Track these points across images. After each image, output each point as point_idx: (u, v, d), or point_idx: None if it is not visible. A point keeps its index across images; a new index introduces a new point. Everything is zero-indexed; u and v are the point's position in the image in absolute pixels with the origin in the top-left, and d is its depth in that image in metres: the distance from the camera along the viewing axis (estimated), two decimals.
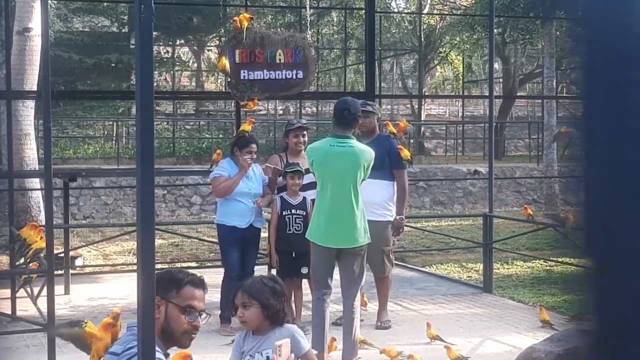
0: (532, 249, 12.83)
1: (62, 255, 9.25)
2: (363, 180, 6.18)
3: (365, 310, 7.81)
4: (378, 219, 7.18)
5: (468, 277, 10.81)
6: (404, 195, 7.41)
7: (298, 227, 7.24)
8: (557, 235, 10.27)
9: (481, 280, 9.67)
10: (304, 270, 7.32)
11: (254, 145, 7.36)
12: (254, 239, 7.39)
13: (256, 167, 7.43)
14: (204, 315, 3.22)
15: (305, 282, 7.46)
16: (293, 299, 7.47)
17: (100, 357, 3.40)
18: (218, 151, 8.25)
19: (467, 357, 6.42)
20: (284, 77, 8.50)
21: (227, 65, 8.34)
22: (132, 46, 24.67)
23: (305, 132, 7.53)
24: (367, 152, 6.22)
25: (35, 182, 12.62)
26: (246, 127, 7.69)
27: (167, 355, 3.12)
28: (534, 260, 11.69)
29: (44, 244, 5.97)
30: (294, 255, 7.26)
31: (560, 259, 10.49)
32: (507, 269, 11.36)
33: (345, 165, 6.10)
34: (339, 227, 6.13)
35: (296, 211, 7.27)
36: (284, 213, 7.27)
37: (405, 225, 13.80)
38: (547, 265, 11.41)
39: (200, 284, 3.27)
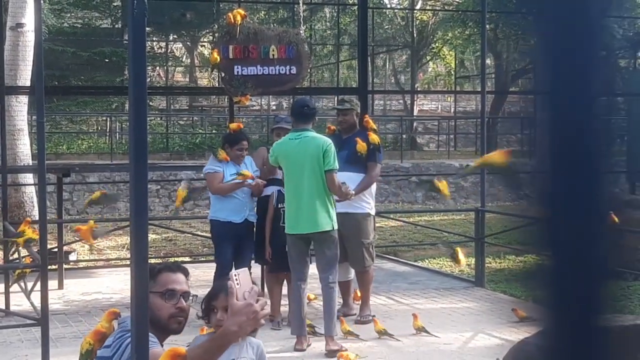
0: (523, 243, 12.87)
1: (56, 250, 9.27)
2: (331, 169, 6.46)
3: (358, 304, 7.85)
4: (356, 211, 7.25)
5: (460, 271, 10.85)
6: (367, 183, 7.40)
7: None
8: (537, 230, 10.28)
9: (473, 275, 9.72)
10: None
11: (245, 143, 7.39)
12: (249, 233, 7.41)
13: (247, 159, 7.47)
14: (190, 297, 3.24)
15: None
16: (287, 293, 7.52)
17: (92, 345, 3.40)
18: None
19: (391, 334, 6.82)
20: (277, 72, 8.53)
21: (218, 60, 8.35)
22: (125, 41, 24.62)
23: (287, 132, 7.57)
24: (321, 139, 6.60)
25: (29, 178, 12.61)
26: (234, 126, 7.76)
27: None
28: (526, 255, 11.72)
29: (34, 235, 5.98)
30: (286, 248, 7.29)
31: (540, 254, 10.53)
32: (499, 263, 11.41)
33: (301, 154, 6.51)
34: (300, 213, 6.52)
35: None
36: (279, 206, 7.33)
37: (398, 220, 13.89)
38: (539, 260, 11.45)
39: (176, 268, 3.29)
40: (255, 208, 7.53)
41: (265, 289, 7.99)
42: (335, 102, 18.25)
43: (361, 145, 7.32)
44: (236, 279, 2.80)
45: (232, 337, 2.76)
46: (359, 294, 7.76)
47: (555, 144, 0.91)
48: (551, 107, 0.91)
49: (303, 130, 6.64)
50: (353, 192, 6.95)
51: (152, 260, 10.21)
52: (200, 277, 9.15)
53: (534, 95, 0.95)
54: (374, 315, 7.43)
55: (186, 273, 3.32)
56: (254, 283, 2.86)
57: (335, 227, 6.60)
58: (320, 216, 6.49)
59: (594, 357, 0.91)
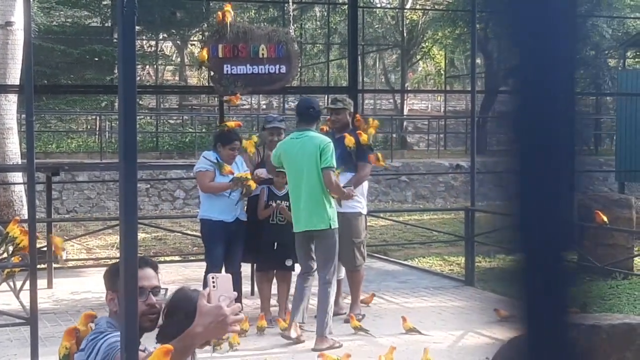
0: (507, 242, 12.89)
1: (45, 249, 9.23)
2: (327, 166, 6.55)
3: (369, 306, 7.90)
4: (347, 210, 7.26)
5: (450, 270, 10.88)
6: (356, 182, 7.40)
7: (282, 217, 7.33)
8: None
9: (463, 274, 9.74)
10: (288, 262, 7.37)
11: (237, 143, 7.40)
12: (240, 232, 7.40)
13: (238, 159, 7.47)
14: (160, 291, 3.20)
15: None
16: (277, 291, 7.52)
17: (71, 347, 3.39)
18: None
19: (367, 329, 6.95)
20: (267, 71, 8.51)
21: (206, 58, 8.34)
22: (115, 40, 24.55)
23: (281, 131, 7.58)
24: (320, 138, 6.70)
25: (18, 177, 12.56)
26: (230, 124, 7.80)
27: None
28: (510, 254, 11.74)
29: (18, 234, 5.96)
30: (276, 246, 7.31)
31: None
32: (489, 262, 11.42)
33: (301, 154, 6.65)
34: (299, 211, 6.69)
35: (281, 202, 7.34)
36: (269, 203, 7.35)
37: (388, 219, 13.90)
38: (513, 259, 11.46)
39: (144, 263, 3.22)
40: (245, 207, 7.53)
41: (255, 288, 8.00)
42: (326, 101, 18.25)
43: (349, 140, 7.34)
44: (213, 282, 2.76)
45: (197, 338, 2.73)
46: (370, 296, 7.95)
47: (520, 143, 0.91)
48: (514, 105, 0.91)
49: (305, 130, 6.78)
50: (355, 193, 7.05)
51: None
52: (190, 276, 9.14)
53: (509, 92, 0.96)
54: (364, 315, 7.45)
55: (155, 267, 3.26)
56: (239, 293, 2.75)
57: (334, 225, 6.66)
58: (316, 215, 6.59)
59: (563, 352, 0.92)
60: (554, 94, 0.90)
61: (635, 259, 10.34)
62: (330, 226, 6.62)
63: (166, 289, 3.27)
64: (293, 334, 6.64)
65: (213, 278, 2.77)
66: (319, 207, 6.59)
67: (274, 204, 7.36)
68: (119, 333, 2.99)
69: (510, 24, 0.90)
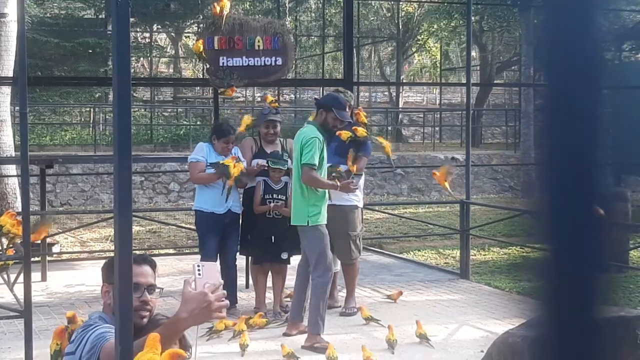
0: (508, 235, 12.92)
1: (39, 242, 9.20)
2: (305, 162, 6.38)
3: (395, 302, 7.90)
4: (343, 203, 7.24)
5: (445, 263, 10.89)
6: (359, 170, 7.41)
7: (278, 211, 7.30)
8: (533, 222, 10.34)
9: (458, 267, 9.74)
10: (284, 255, 7.36)
11: (231, 137, 7.40)
12: (234, 224, 7.38)
13: (235, 150, 7.46)
14: (156, 290, 3.22)
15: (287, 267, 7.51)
16: (271, 284, 7.51)
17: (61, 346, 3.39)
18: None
19: (378, 319, 6.90)
20: (262, 63, 8.48)
21: (202, 49, 8.30)
22: (108, 32, 24.47)
23: (276, 124, 7.57)
24: (304, 133, 6.56)
25: (12, 169, 12.52)
26: (247, 121, 7.83)
27: None
28: (510, 247, 11.78)
29: (15, 227, 5.93)
30: (273, 240, 7.30)
31: (536, 245, 10.58)
32: (484, 255, 11.44)
33: (295, 147, 6.66)
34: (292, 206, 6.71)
35: (277, 196, 7.33)
36: (265, 197, 7.33)
37: (383, 212, 13.90)
38: (523, 252, 11.50)
39: (141, 260, 3.26)
40: (241, 199, 7.52)
41: (250, 281, 7.99)
42: (321, 93, 18.20)
43: (344, 134, 7.32)
44: (198, 270, 2.79)
45: (182, 324, 2.76)
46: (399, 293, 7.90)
47: (552, 137, 0.89)
48: (549, 99, 0.89)
49: (308, 122, 6.74)
50: (356, 186, 6.95)
51: (136, 252, 10.16)
52: (185, 269, 9.13)
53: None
54: (359, 308, 7.44)
55: (153, 265, 3.29)
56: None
57: (315, 222, 6.46)
58: (296, 210, 6.55)
59: (588, 349, 0.91)
60: (588, 88, 0.89)
61: (631, 252, 10.35)
62: (308, 223, 6.47)
63: (161, 289, 3.29)
64: (293, 331, 6.63)
65: (199, 266, 2.82)
66: (299, 203, 6.51)
67: (271, 205, 7.31)
68: (108, 325, 3.00)
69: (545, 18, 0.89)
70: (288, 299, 7.48)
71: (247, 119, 8.07)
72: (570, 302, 0.89)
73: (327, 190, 6.65)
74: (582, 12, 0.88)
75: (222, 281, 2.88)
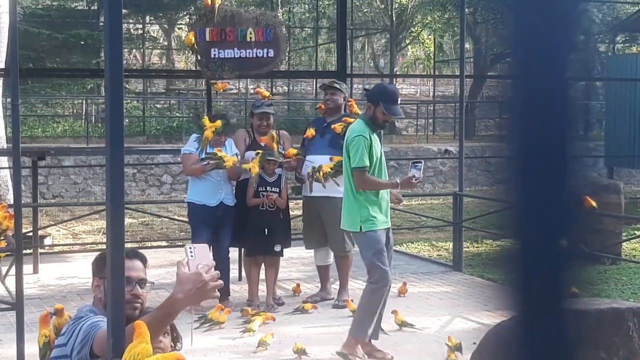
0: (501, 227, 12.93)
1: (31, 234, 9.18)
2: (356, 166, 5.81)
3: (404, 296, 7.84)
4: (337, 195, 7.20)
5: (438, 255, 10.90)
6: None
7: (272, 204, 7.29)
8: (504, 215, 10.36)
9: (451, 259, 9.75)
10: (277, 247, 7.36)
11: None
12: (226, 216, 7.36)
13: (228, 141, 7.45)
14: (147, 285, 3.26)
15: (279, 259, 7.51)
16: (264, 277, 7.51)
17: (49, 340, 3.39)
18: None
19: (410, 323, 6.68)
20: (255, 55, 8.45)
21: (193, 41, 8.27)
22: (101, 23, 24.38)
23: (269, 116, 7.57)
24: (351, 130, 6.04)
25: (4, 161, 12.48)
26: (266, 139, 7.43)
27: None
28: (503, 239, 11.77)
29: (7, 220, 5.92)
30: (266, 232, 7.29)
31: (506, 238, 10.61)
32: (477, 247, 11.45)
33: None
34: (342, 206, 6.16)
35: (271, 188, 7.32)
36: (259, 189, 7.31)
37: None
38: (510, 243, 11.50)
39: (133, 255, 3.31)
40: (234, 191, 7.51)
41: (243, 274, 7.98)
42: (315, 85, 18.15)
43: (337, 127, 7.32)
44: (191, 251, 2.84)
45: (178, 304, 2.79)
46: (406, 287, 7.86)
47: (524, 127, 0.89)
48: (521, 89, 0.89)
49: (360, 116, 6.31)
50: (419, 180, 6.21)
51: (129, 245, 10.15)
52: (177, 261, 9.11)
53: (507, 79, 0.94)
54: (352, 300, 7.44)
55: (144, 260, 3.33)
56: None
57: (368, 228, 5.87)
58: (347, 215, 5.99)
59: (562, 339, 0.91)
60: (550, 79, 0.88)
61: (624, 244, 10.37)
62: (360, 229, 5.88)
63: (152, 283, 3.32)
64: (355, 352, 5.87)
65: (190, 248, 2.86)
66: (350, 206, 5.93)
67: (265, 198, 7.29)
68: (100, 317, 3.01)
69: (508, 9, 0.88)
70: (282, 291, 7.49)
71: (209, 123, 7.40)
72: (542, 294, 0.90)
73: (385, 191, 6.04)
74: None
75: (214, 262, 2.93)
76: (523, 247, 0.90)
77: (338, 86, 7.63)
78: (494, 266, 0.93)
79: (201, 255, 2.84)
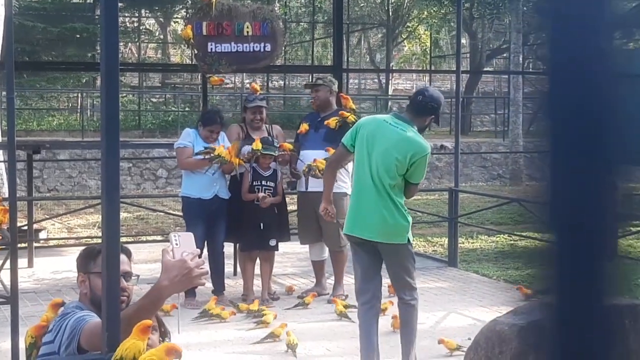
0: (496, 223, 12.95)
1: (26, 228, 9.16)
2: (416, 182, 5.47)
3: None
4: (335, 190, 7.19)
5: (433, 251, 10.90)
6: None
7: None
8: (521, 210, 10.39)
9: (446, 255, 9.75)
10: (272, 242, 7.36)
11: (216, 126, 7.40)
12: (221, 210, 7.34)
13: (221, 135, 7.44)
14: (132, 278, 3.25)
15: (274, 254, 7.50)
16: (259, 271, 7.50)
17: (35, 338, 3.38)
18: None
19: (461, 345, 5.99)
20: (251, 49, 8.43)
21: (190, 35, 8.25)
22: (96, 17, 24.32)
23: (262, 110, 7.56)
24: (418, 144, 5.30)
25: None
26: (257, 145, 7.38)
27: None
28: (499, 235, 11.80)
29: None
30: (261, 227, 7.28)
31: (524, 233, 10.60)
32: (472, 243, 11.45)
33: (386, 147, 5.28)
34: (359, 211, 5.42)
35: (266, 182, 7.31)
36: (254, 183, 7.30)
37: None
38: (511, 240, 11.53)
39: None
40: (228, 185, 7.49)
41: (238, 268, 7.97)
42: (311, 80, 18.16)
43: (332, 122, 7.31)
44: (175, 240, 2.85)
45: (164, 292, 2.79)
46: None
47: (560, 126, 0.88)
48: (557, 86, 0.87)
49: (405, 121, 5.33)
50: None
51: (124, 239, 10.13)
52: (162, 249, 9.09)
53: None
54: (347, 295, 7.43)
55: (128, 254, 3.32)
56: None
57: (411, 236, 5.52)
58: (389, 228, 5.36)
59: (597, 337, 0.90)
60: (588, 75, 0.87)
61: (620, 240, 10.38)
62: (407, 240, 5.44)
63: (138, 276, 3.33)
64: None
65: (175, 236, 2.88)
66: (392, 217, 5.34)
67: (259, 195, 7.27)
68: (86, 311, 3.03)
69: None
70: (277, 286, 7.48)
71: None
72: (579, 292, 0.88)
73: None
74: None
75: (198, 250, 2.94)
76: (561, 244, 0.88)
77: (321, 82, 7.62)
78: (524, 262, 0.92)
79: (186, 243, 2.86)
